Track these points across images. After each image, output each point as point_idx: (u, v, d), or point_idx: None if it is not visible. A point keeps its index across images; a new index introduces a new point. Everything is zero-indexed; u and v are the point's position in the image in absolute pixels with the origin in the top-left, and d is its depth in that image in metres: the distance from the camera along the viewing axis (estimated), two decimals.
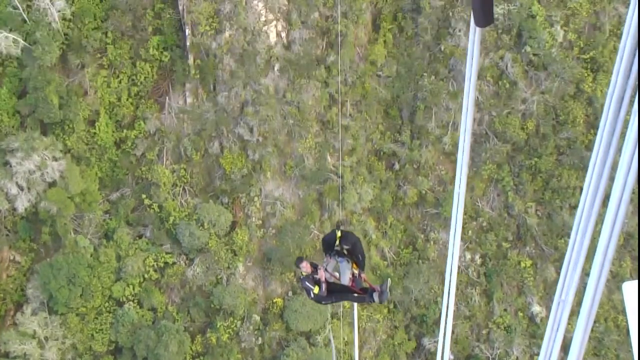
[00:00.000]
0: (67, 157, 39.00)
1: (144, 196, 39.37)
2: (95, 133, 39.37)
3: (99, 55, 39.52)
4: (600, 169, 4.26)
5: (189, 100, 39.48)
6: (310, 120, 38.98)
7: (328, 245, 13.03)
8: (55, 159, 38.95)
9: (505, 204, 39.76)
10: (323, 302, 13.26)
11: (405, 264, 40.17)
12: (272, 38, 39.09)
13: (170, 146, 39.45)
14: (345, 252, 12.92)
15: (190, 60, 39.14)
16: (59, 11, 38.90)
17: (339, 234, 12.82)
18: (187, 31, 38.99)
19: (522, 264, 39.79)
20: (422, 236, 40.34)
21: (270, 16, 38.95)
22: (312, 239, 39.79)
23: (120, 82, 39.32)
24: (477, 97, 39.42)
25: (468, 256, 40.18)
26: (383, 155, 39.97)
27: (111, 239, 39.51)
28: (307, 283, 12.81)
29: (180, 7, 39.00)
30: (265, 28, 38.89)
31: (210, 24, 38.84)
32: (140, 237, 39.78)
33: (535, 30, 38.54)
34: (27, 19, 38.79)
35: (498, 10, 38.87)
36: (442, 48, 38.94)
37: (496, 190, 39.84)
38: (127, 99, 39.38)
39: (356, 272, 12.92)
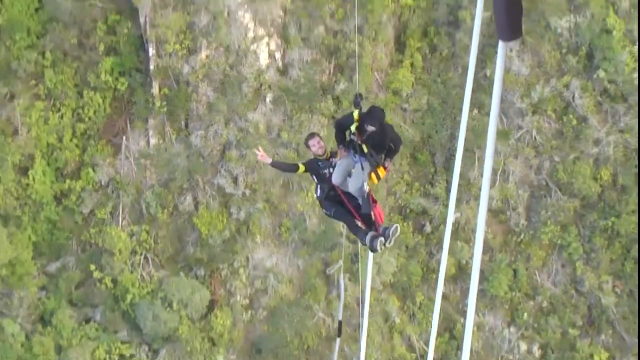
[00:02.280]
0: None
1: (92, 267, 34.98)
2: (28, 184, 35.27)
3: (33, 82, 35.75)
4: None
5: (152, 141, 35.89)
6: None
7: (342, 130, 11.29)
8: None
9: (573, 277, 35.53)
10: (323, 209, 12.09)
11: (440, 357, 34.86)
12: (263, 60, 35.35)
13: (127, 201, 35.87)
14: (369, 141, 11.06)
15: (155, 89, 35.28)
16: None
17: (356, 115, 10.96)
18: (151, 51, 35.35)
19: (596, 358, 34.66)
20: (462, 320, 34.85)
21: (261, 31, 35.07)
22: (316, 323, 34.88)
23: (62, 117, 35.71)
24: (535, 138, 34.18)
25: (523, 347, 35.90)
26: (410, 213, 35.74)
27: (49, 324, 35.27)
28: (318, 168, 11.77)
29: (142, 20, 35.20)
30: (254, 47, 35.16)
31: (182, 41, 35.20)
32: (87, 321, 35.58)
33: (611, 49, 34.45)
34: None
35: (562, 23, 34.20)
36: (488, 73, 34.17)
37: (560, 259, 35.64)
38: (71, 140, 35.74)
39: (367, 189, 11.42)
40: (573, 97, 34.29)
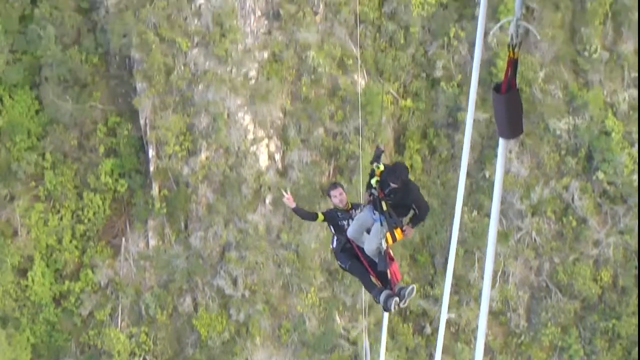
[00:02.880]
0: None
1: None
2: (27, 286, 35.86)
3: (33, 183, 36.60)
4: None
5: (152, 242, 36.67)
6: (312, 269, 36.23)
7: (371, 177, 11.21)
8: None
9: None
10: (337, 262, 12.11)
11: None
12: (263, 161, 36.26)
13: (127, 303, 36.60)
14: (390, 199, 10.95)
15: (155, 191, 36.10)
16: None
17: (377, 168, 11.06)
18: (151, 152, 36.23)
19: None
20: None
21: (261, 133, 36.02)
22: None
23: (61, 219, 36.42)
24: (535, 240, 34.98)
25: None
26: (410, 314, 36.61)
27: None
28: (336, 218, 11.77)
29: (142, 122, 36.06)
30: (253, 148, 36.14)
31: (181, 143, 35.97)
32: None
33: (610, 151, 35.58)
34: None
35: (561, 125, 35.48)
36: (487, 175, 35.10)
37: None
38: (71, 241, 36.43)
39: (385, 246, 11.13)
40: (572, 198, 35.20)
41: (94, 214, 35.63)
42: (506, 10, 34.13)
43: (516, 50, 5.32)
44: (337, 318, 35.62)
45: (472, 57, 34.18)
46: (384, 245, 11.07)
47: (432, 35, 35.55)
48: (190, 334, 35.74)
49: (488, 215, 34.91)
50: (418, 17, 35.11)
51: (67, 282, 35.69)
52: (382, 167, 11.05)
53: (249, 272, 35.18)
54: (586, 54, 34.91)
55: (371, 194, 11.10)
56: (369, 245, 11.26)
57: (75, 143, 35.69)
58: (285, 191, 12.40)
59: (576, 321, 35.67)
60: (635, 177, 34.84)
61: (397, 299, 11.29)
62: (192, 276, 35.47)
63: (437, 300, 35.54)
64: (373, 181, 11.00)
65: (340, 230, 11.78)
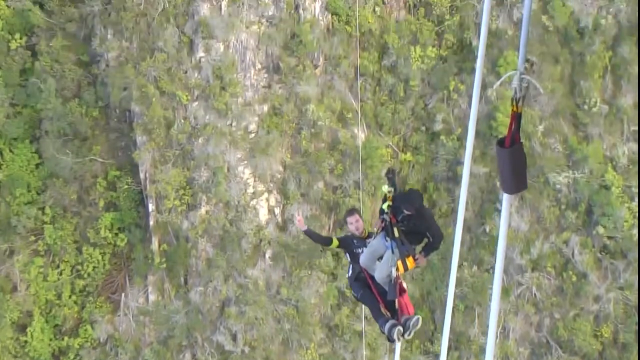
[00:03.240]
0: None
1: None
2: (26, 342, 36.09)
3: (33, 237, 36.95)
4: None
5: (152, 297, 37.15)
6: (312, 324, 36.54)
7: (380, 209, 11.14)
8: None
9: None
10: (352, 292, 12.02)
11: None
12: (263, 215, 36.60)
13: (126, 359, 35.43)
14: (403, 225, 10.78)
15: (155, 245, 36.55)
16: None
17: (387, 191, 10.92)
18: (151, 207, 36.68)
19: None
20: None
21: (261, 187, 36.43)
22: None
23: (60, 273, 36.90)
24: (535, 295, 35.27)
25: None
26: None
27: None
28: (352, 246, 11.70)
29: (142, 176, 36.57)
30: (253, 202, 36.58)
31: (181, 197, 36.45)
32: None
33: (610, 205, 35.89)
34: None
35: (560, 179, 35.78)
36: (488, 229, 35.63)
37: None
38: (70, 297, 36.98)
39: (395, 275, 11.00)
40: (572, 253, 35.49)
41: (94, 268, 35.95)
42: (505, 64, 34.60)
43: (520, 104, 5.47)
44: None
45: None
46: (394, 274, 10.98)
47: (432, 88, 35.99)
48: None
49: (488, 271, 35.38)
50: (418, 71, 35.55)
51: (66, 338, 35.94)
52: (392, 191, 10.91)
53: (249, 327, 35.43)
54: (586, 107, 35.35)
55: (383, 220, 10.97)
56: (380, 273, 11.18)
57: (75, 197, 36.08)
58: (298, 213, 13.25)
59: None
60: (635, 231, 35.18)
61: (400, 328, 11.21)
62: (191, 332, 35.72)
63: (438, 356, 35.82)
64: (385, 206, 10.93)
65: (355, 259, 11.72)
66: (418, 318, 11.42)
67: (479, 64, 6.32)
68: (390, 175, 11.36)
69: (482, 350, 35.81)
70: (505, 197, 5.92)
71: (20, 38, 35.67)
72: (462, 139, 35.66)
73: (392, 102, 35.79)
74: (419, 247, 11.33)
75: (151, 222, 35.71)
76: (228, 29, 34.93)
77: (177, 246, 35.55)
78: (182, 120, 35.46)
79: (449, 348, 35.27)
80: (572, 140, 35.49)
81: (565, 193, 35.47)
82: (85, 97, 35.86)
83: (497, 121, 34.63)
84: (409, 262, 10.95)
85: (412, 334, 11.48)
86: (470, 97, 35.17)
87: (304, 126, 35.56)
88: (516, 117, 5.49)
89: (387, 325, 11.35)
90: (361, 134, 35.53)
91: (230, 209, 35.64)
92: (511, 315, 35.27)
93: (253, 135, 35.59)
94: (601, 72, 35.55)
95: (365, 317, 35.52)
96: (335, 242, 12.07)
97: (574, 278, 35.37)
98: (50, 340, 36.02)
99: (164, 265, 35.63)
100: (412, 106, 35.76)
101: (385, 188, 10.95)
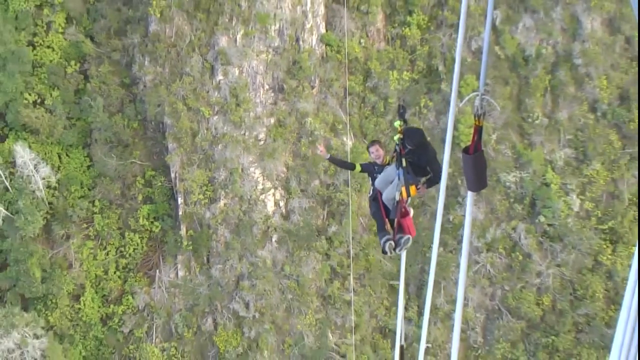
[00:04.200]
0: (50, 335, 42.57)
1: None
2: (80, 309, 43.69)
3: (85, 225, 43.71)
4: (627, 352, 4.30)
5: (180, 273, 43.25)
6: (310, 295, 42.71)
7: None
8: (36, 336, 42.35)
9: None
10: (370, 209, 12.89)
11: None
12: (270, 207, 43.20)
13: (160, 323, 43.10)
14: (409, 157, 11.72)
15: (183, 231, 43.13)
16: (44, 179, 42.94)
17: (398, 125, 11.62)
18: (180, 200, 43.13)
19: None
20: None
21: (268, 184, 43.05)
22: None
23: (107, 254, 43.42)
24: (489, 271, 43.11)
25: None
26: (389, 332, 43.53)
27: None
28: (373, 172, 12.53)
29: (173, 175, 43.11)
30: (262, 197, 43.05)
31: (204, 192, 42.85)
32: None
33: (550, 199, 42.61)
34: (9, 187, 42.83)
35: (510, 178, 43.13)
36: (451, 218, 42.86)
37: None
38: (115, 272, 43.34)
39: (398, 198, 11.89)
40: (519, 237, 43.66)
41: (134, 250, 43.94)
42: (466, 85, 43.10)
43: (481, 119, 6.33)
44: (330, 335, 43.66)
45: (438, 123, 43.25)
46: (398, 197, 11.73)
47: (406, 104, 44.33)
48: (211, 348, 43.62)
49: (451, 252, 43.54)
50: (395, 90, 43.96)
51: (112, 306, 43.82)
52: (402, 125, 11.52)
53: (259, 297, 43.08)
54: (530, 120, 43.79)
55: (395, 150, 11.73)
56: (387, 194, 12.05)
57: (118, 192, 44.07)
58: (319, 144, 15.72)
59: (523, 338, 43.88)
60: (570, 220, 43.46)
61: (392, 243, 12.12)
62: (212, 301, 43.52)
63: (411, 320, 43.83)
64: (395, 138, 11.60)
65: (374, 182, 12.54)
66: (409, 237, 12.13)
67: (454, 86, 7.15)
68: (402, 111, 11.77)
69: (447, 316, 44.01)
70: (469, 194, 6.74)
71: (75, 64, 44.12)
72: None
73: (374, 116, 44.20)
74: (424, 180, 12.07)
75: (180, 213, 43.64)
76: (242, 57, 43.22)
77: (201, 232, 43.54)
78: (205, 131, 43.64)
79: (419, 314, 43.72)
80: (519, 146, 43.87)
81: (513, 189, 43.69)
82: (127, 112, 44.13)
83: (458, 131, 43.11)
84: (412, 189, 11.59)
85: (402, 250, 12.29)
86: (437, 111, 43.87)
87: (303, 135, 43.76)
88: (478, 130, 6.29)
89: (383, 239, 12.19)
90: (349, 142, 43.71)
91: (244, 202, 43.52)
92: (470, 287, 43.49)
93: (262, 142, 43.73)
94: (542, 92, 43.87)
95: (354, 290, 43.86)
96: (358, 168, 12.82)
97: (521, 257, 43.50)
98: (99, 307, 43.79)
99: (190, 247, 43.45)
100: (390, 119, 44.13)
101: (397, 122, 11.48)
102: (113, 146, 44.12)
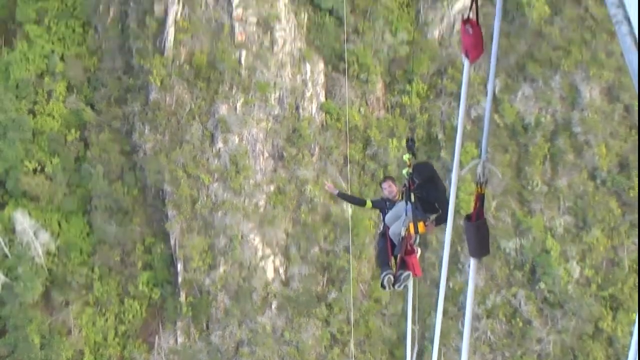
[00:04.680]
0: None
1: None
2: None
3: (84, 291, 44.49)
4: None
5: (180, 339, 43.88)
6: None
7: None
8: None
9: None
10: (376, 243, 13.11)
11: None
12: (270, 274, 43.84)
13: None
14: (417, 192, 11.62)
15: (182, 298, 43.77)
16: (43, 245, 43.71)
17: (407, 158, 11.49)
18: (179, 267, 43.78)
19: None
20: None
21: (268, 251, 43.65)
22: None
23: (106, 320, 44.18)
24: (489, 337, 43.52)
25: None
26: None
27: None
28: (384, 208, 12.48)
29: (172, 242, 43.76)
30: (262, 263, 43.69)
31: (204, 259, 43.52)
32: None
33: (550, 266, 43.26)
34: (8, 253, 43.52)
35: (510, 245, 43.71)
36: (451, 285, 43.16)
37: None
38: (114, 339, 44.22)
39: (404, 234, 11.78)
40: (520, 304, 44.13)
41: (133, 316, 44.38)
42: (465, 152, 43.72)
43: (483, 186, 6.42)
44: None
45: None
46: (404, 233, 11.67)
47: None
48: None
49: (452, 318, 44.02)
50: (394, 158, 44.58)
51: None
52: (411, 158, 11.47)
53: None
54: (529, 187, 44.47)
55: (404, 185, 11.71)
56: (393, 229, 12.01)
57: (118, 259, 44.60)
58: (326, 182, 14.29)
59: None
60: (571, 286, 43.97)
61: (391, 277, 12.04)
62: None
63: None
64: (404, 172, 11.57)
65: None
66: (409, 274, 12.01)
67: (457, 155, 7.34)
68: (410, 144, 11.65)
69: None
70: (472, 261, 6.86)
71: (75, 132, 44.91)
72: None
73: (374, 184, 44.84)
74: (433, 218, 11.93)
75: (180, 279, 44.15)
76: (242, 125, 44.03)
77: (200, 298, 44.03)
78: (205, 198, 44.34)
79: None
80: (519, 214, 44.49)
81: (513, 256, 44.26)
82: (127, 179, 44.80)
83: (458, 198, 43.51)
84: (420, 226, 11.53)
85: (402, 286, 12.21)
86: None
87: (303, 202, 44.46)
88: (480, 197, 6.36)
89: (384, 273, 12.12)
90: (349, 209, 44.44)
91: (244, 269, 44.07)
92: (470, 354, 43.99)
93: (262, 209, 44.39)
94: (542, 160, 44.56)
95: (354, 357, 44.34)
96: (369, 204, 12.91)
97: (521, 324, 43.85)
98: None
99: (190, 314, 43.89)
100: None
101: (406, 156, 11.43)
102: (113, 213, 44.73)
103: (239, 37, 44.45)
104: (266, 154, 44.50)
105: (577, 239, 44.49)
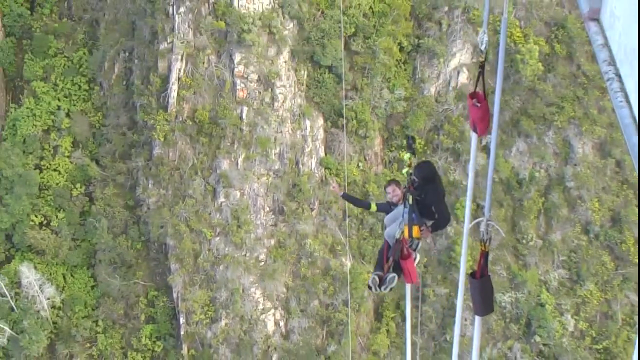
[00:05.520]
0: None
1: None
2: None
3: (88, 344, 46.04)
4: None
5: None
6: None
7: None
8: None
9: None
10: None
11: None
12: (270, 327, 45.27)
13: None
14: (416, 195, 11.42)
15: (184, 350, 45.25)
16: (49, 299, 45.04)
17: (407, 158, 11.50)
18: (182, 320, 45.12)
19: None
20: None
21: (268, 304, 45.08)
22: None
23: None
24: None
25: None
26: None
27: None
28: (388, 211, 12.33)
29: (175, 295, 45.15)
30: (262, 317, 45.12)
31: (206, 312, 44.94)
32: None
33: (545, 319, 44.74)
34: (14, 306, 44.85)
35: (505, 298, 45.19)
36: (448, 337, 44.57)
37: None
38: None
39: (398, 236, 11.62)
40: (515, 357, 45.65)
41: None
42: (462, 207, 45.33)
43: (487, 244, 6.66)
44: None
45: (435, 244, 45.44)
46: (398, 235, 11.52)
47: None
48: None
49: None
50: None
51: None
52: (411, 158, 11.47)
53: None
54: (524, 241, 46.12)
55: (404, 187, 11.67)
56: (388, 231, 11.92)
57: (122, 312, 46.08)
58: (332, 180, 14.72)
59: None
60: (565, 339, 45.50)
61: (376, 278, 11.87)
62: None
63: None
64: (404, 171, 11.61)
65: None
66: (394, 276, 11.81)
67: (467, 219, 7.62)
68: (410, 142, 11.77)
69: None
70: (477, 320, 7.07)
71: (80, 187, 46.62)
72: (428, 266, 46.38)
73: (372, 238, 46.42)
74: (430, 223, 11.76)
75: (182, 332, 45.48)
76: (243, 179, 45.62)
77: (202, 352, 45.41)
78: (207, 252, 45.80)
79: None
80: (514, 267, 46.09)
81: (509, 309, 45.79)
82: (131, 233, 46.45)
83: (455, 252, 45.44)
84: (415, 230, 11.31)
85: (387, 289, 12.00)
86: (436, 234, 45.91)
87: (303, 256, 45.93)
88: (484, 255, 6.60)
89: (373, 274, 12.03)
90: (348, 263, 45.90)
91: (245, 322, 45.44)
92: None
93: (262, 263, 45.88)
94: (536, 214, 46.27)
95: None
96: (374, 207, 12.75)
97: None
98: None
99: None
100: None
101: (406, 155, 11.44)
102: (117, 267, 46.27)
103: (241, 93, 46.22)
104: (267, 208, 46.09)
105: (572, 292, 46.10)
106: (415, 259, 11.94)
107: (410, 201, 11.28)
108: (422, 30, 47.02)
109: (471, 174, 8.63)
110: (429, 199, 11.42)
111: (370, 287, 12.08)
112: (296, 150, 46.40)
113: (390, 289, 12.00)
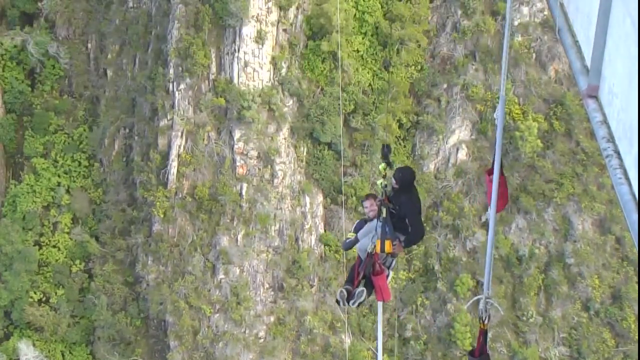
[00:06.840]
0: None
1: None
2: None
3: None
4: None
5: None
6: None
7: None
8: None
9: None
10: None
11: None
12: None
13: None
14: (391, 207, 11.51)
15: None
16: None
17: (383, 168, 11.57)
18: None
19: None
20: None
21: None
22: None
23: None
24: None
25: None
26: None
27: None
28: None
29: None
30: None
31: None
32: None
33: None
34: None
35: None
36: None
37: None
38: None
39: (370, 250, 11.60)
40: None
41: None
42: (461, 284, 46.56)
43: (486, 322, 6.98)
44: None
45: (435, 321, 46.41)
46: (370, 249, 11.45)
47: (403, 303, 47.65)
48: None
49: None
50: (391, 290, 47.10)
51: None
52: (386, 168, 11.48)
53: None
54: (524, 318, 46.99)
55: (379, 200, 11.57)
56: (360, 245, 11.87)
57: None
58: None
59: None
60: None
61: (345, 292, 11.84)
62: None
63: None
64: (379, 182, 11.57)
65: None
66: (363, 290, 11.72)
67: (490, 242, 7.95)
68: (386, 151, 11.73)
69: None
70: None
71: (80, 264, 47.80)
72: (428, 343, 47.27)
73: (372, 314, 47.33)
74: (403, 238, 11.76)
75: None
76: (243, 256, 46.77)
77: None
78: (206, 329, 46.81)
79: None
80: (514, 344, 46.95)
81: None
82: (130, 310, 47.51)
83: (455, 329, 46.34)
84: (387, 245, 11.26)
85: (356, 304, 11.98)
86: (434, 310, 46.91)
87: (303, 333, 46.91)
88: (483, 333, 6.86)
89: (341, 287, 12.06)
90: (347, 340, 46.82)
91: None
92: None
93: (262, 340, 46.86)
94: (536, 291, 47.22)
95: None
96: (352, 234, 12.37)
97: None
98: None
99: None
100: (388, 317, 47.27)
101: (382, 165, 11.44)
102: (116, 344, 47.27)
103: (240, 170, 47.50)
104: (266, 285, 47.19)
105: None
106: (387, 276, 12.07)
107: (384, 214, 11.40)
108: (421, 107, 48.38)
109: (489, 250, 9.15)
110: (403, 210, 11.57)
111: (338, 302, 12.17)
112: (296, 227, 47.55)
113: (359, 305, 12.09)
